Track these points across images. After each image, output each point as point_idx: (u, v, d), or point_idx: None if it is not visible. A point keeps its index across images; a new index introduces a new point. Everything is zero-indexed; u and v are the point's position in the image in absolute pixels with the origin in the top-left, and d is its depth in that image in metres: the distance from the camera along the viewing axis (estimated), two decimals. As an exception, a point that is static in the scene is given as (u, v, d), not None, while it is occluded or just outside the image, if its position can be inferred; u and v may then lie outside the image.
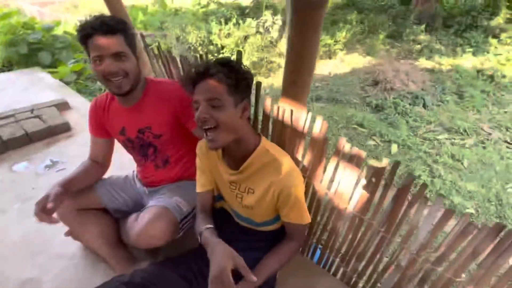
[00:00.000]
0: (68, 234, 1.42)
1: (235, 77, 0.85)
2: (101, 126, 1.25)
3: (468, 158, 3.19)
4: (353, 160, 1.01)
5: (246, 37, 5.55)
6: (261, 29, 5.68)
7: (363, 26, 7.05)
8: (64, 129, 2.51)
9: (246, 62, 5.03)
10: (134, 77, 1.08)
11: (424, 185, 0.89)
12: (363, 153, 0.97)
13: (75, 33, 1.09)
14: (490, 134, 3.63)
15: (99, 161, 1.31)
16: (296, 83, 0.98)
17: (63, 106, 2.84)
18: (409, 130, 3.75)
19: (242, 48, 5.41)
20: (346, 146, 1.00)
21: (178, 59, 1.55)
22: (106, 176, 1.42)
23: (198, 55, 1.41)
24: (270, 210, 1.01)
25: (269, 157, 0.94)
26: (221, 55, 5.46)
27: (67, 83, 3.84)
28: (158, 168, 1.30)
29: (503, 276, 0.83)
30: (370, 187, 1.02)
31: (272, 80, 5.21)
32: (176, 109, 1.15)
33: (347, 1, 8.90)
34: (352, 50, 6.26)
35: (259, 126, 1.23)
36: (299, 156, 1.15)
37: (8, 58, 4.20)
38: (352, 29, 6.55)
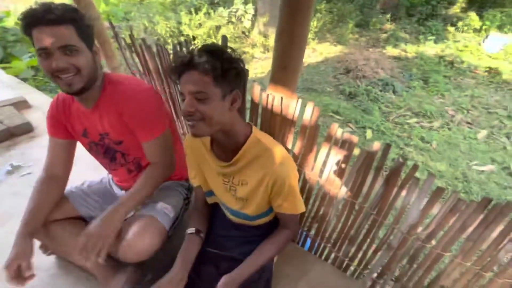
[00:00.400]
0: (42, 247, 1.29)
1: (223, 66, 0.78)
2: (62, 125, 1.10)
3: (436, 140, 3.40)
4: (344, 145, 1.02)
5: (218, 27, 5.39)
6: (233, 19, 5.55)
7: (332, 15, 7.17)
8: (25, 130, 2.28)
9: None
10: (89, 74, 0.93)
11: (415, 166, 0.91)
12: (355, 138, 0.98)
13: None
14: (453, 116, 3.89)
15: (57, 174, 1.12)
16: (287, 68, 0.95)
17: (22, 104, 2.57)
18: (382, 116, 3.90)
19: (215, 38, 5.26)
20: (338, 131, 1.00)
21: (154, 48, 1.45)
22: (79, 180, 1.31)
23: (177, 44, 1.32)
24: (264, 201, 0.98)
25: (261, 147, 0.91)
26: (192, 47, 5.26)
27: (24, 80, 3.50)
28: (131, 172, 1.21)
29: (488, 248, 0.89)
30: (362, 171, 1.03)
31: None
32: (123, 115, 1.02)
33: (315, -10, 8.93)
34: (323, 39, 6.35)
35: (248, 115, 1.19)
36: (289, 144, 1.13)
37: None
38: (322, 19, 6.62)
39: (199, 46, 0.82)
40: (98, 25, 1.91)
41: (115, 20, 6.08)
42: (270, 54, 5.51)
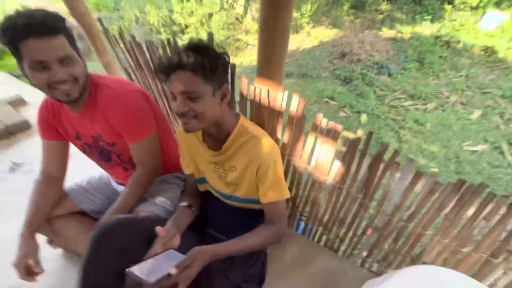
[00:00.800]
0: (49, 242, 1.36)
1: (210, 63, 0.81)
2: (53, 128, 1.12)
3: (430, 122, 3.44)
4: (330, 134, 1.06)
5: (210, 15, 5.31)
6: (225, 5, 5.45)
7: (327, -3, 7.03)
8: (23, 127, 2.33)
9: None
10: (83, 82, 0.95)
11: (396, 152, 0.96)
12: (339, 127, 1.02)
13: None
14: (448, 97, 3.91)
15: (54, 175, 1.16)
16: (271, 61, 0.98)
17: (18, 102, 2.60)
18: (377, 100, 3.92)
19: (207, 26, 5.19)
20: (323, 121, 1.04)
21: (144, 45, 1.47)
22: (79, 176, 1.35)
23: (165, 40, 1.34)
24: (252, 186, 1.02)
25: (248, 135, 0.96)
26: (186, 35, 5.20)
27: (17, 76, 3.50)
28: (127, 170, 1.23)
29: (464, 225, 0.95)
30: (348, 157, 1.08)
31: (241, 59, 5.10)
32: (109, 119, 1.04)
33: (309, -29, 8.71)
34: (318, 23, 6.26)
35: (237, 107, 1.23)
36: (278, 134, 1.17)
37: None
38: (317, 1, 6.50)
39: (185, 45, 0.84)
40: (88, 20, 1.91)
41: (105, 11, 5.97)
42: (264, 41, 5.44)
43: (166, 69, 0.83)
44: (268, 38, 0.99)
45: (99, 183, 1.37)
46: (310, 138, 1.12)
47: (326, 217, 1.35)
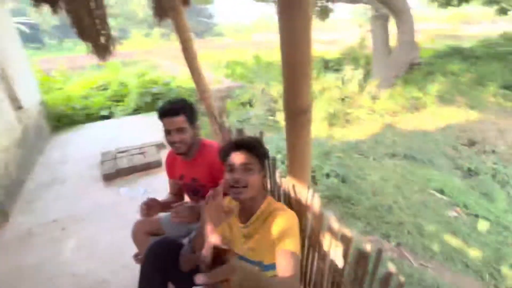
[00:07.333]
0: (135, 256, 1.73)
1: (262, 149, 1.18)
2: (171, 170, 1.65)
3: None
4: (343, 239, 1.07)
5: (323, 90, 5.77)
6: (339, 83, 5.83)
7: (470, 75, 6.30)
8: (157, 165, 3.24)
9: (322, 113, 5.19)
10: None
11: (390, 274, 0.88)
12: (349, 234, 1.03)
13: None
14: None
15: (177, 194, 1.75)
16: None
17: (161, 146, 3.66)
18: (510, 205, 3.06)
19: (319, 99, 5.63)
20: (334, 225, 1.08)
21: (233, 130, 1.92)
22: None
23: (260, 132, 1.63)
24: (271, 247, 1.08)
25: (272, 208, 1.16)
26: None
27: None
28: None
29: None
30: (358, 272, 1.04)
31: (347, 131, 5.13)
32: (213, 168, 1.47)
33: (449, 49, 8.15)
34: (449, 102, 5.62)
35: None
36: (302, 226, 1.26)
37: (139, 104, 5.70)
38: (450, 80, 5.95)
39: (245, 137, 1.20)
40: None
41: (244, 80, 7.50)
42: (374, 117, 5.35)
43: (232, 147, 1.16)
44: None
45: None
46: (327, 237, 1.15)
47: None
